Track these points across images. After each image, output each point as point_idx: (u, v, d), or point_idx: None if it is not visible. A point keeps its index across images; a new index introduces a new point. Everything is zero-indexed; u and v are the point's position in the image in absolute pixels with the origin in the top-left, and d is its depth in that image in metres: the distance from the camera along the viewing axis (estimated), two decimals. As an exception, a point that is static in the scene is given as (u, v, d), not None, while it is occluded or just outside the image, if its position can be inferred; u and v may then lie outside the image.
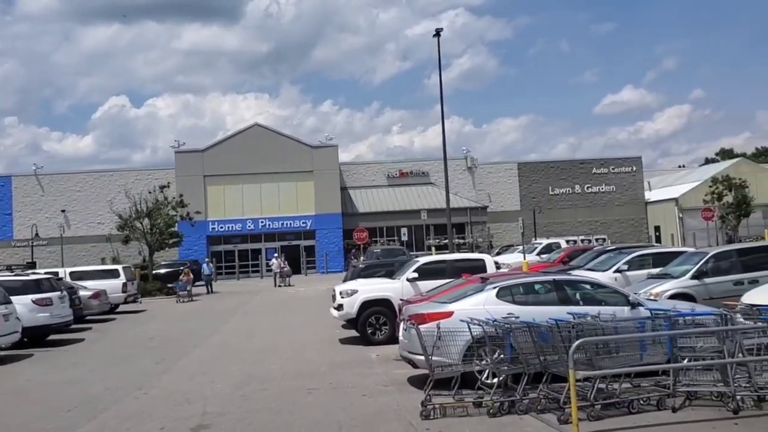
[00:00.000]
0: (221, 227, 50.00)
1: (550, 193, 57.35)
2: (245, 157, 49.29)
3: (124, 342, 18.05)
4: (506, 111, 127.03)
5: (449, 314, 9.80)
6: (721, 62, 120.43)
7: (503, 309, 9.90)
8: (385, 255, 29.39)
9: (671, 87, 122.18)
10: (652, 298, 13.24)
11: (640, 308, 10.19)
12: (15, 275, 18.39)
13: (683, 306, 9.74)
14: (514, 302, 10.16)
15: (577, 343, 7.01)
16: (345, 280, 19.06)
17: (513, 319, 9.27)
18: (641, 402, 8.00)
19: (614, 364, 7.95)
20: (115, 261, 50.18)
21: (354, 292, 15.32)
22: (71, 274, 26.69)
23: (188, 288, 31.49)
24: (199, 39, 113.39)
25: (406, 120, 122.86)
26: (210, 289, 35.95)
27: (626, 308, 10.21)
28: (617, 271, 17.94)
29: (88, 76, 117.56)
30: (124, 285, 26.86)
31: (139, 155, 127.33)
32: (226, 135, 52.90)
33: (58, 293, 18.30)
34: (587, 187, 57.70)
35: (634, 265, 18.30)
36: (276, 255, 40.80)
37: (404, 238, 42.31)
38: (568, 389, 7.34)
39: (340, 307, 15.41)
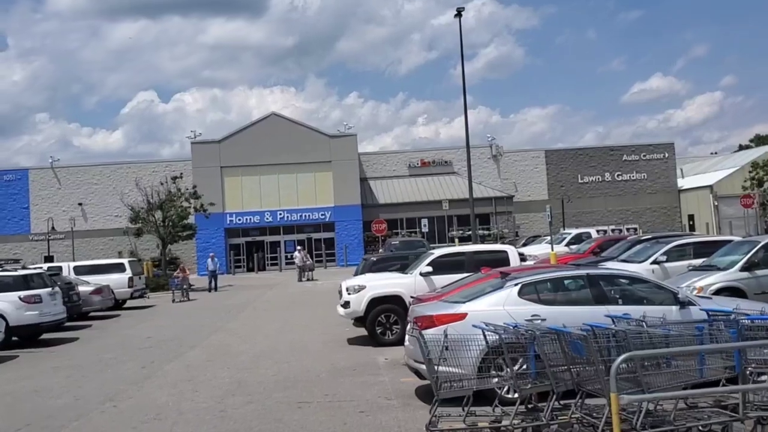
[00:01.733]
0: (239, 219, 48.82)
1: (579, 181, 55.20)
2: (262, 148, 47.95)
3: (118, 342, 16.78)
4: (533, 101, 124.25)
5: (461, 316, 8.26)
6: (753, 48, 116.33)
7: (526, 310, 8.34)
8: (404, 247, 27.81)
9: (701, 74, 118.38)
10: (697, 293, 11.60)
11: (692, 308, 8.54)
12: (2, 271, 17.20)
13: (748, 306, 8.03)
14: (539, 301, 8.58)
15: (622, 358, 5.42)
16: (356, 274, 17.58)
17: (538, 323, 7.70)
18: (701, 429, 6.38)
19: (666, 381, 6.32)
20: (132, 254, 49.38)
21: (361, 288, 13.83)
22: (75, 268, 25.60)
23: (184, 286, 28.27)
24: (224, 33, 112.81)
25: (431, 111, 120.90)
26: (214, 286, 32.55)
27: (674, 308, 8.57)
28: (654, 262, 16.23)
29: (116, 71, 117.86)
30: (131, 279, 25.70)
31: (167, 150, 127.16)
32: (243, 125, 51.59)
33: (49, 290, 17.06)
34: (617, 175, 55.44)
35: (672, 255, 16.59)
36: (299, 248, 38.97)
37: (425, 229, 40.63)
38: (608, 414, 5.77)
39: (346, 305, 13.94)
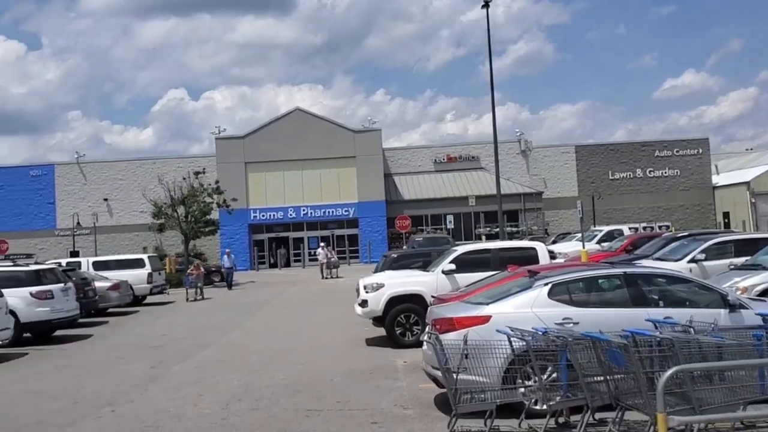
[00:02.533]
0: (263, 215, 48.41)
1: (610, 177, 53.82)
2: (286, 143, 47.44)
3: (130, 339, 16.29)
4: (563, 97, 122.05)
5: (485, 319, 7.47)
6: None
7: (557, 312, 7.53)
8: (428, 244, 27.04)
9: (736, 70, 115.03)
10: (740, 294, 10.66)
11: (743, 312, 7.65)
12: (14, 266, 16.80)
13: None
14: (571, 303, 7.75)
15: (671, 372, 4.61)
16: (376, 271, 16.86)
17: (570, 326, 6.90)
18: (760, 453, 5.54)
19: (721, 397, 5.48)
20: (157, 250, 49.31)
21: (380, 286, 13.08)
22: (94, 264, 25.30)
23: (199, 284, 26.82)
24: (253, 31, 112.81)
25: (459, 107, 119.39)
26: (230, 284, 31.55)
27: (723, 311, 7.69)
28: (692, 261, 15.23)
29: (147, 69, 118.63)
30: (150, 275, 25.28)
31: (197, 147, 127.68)
32: (267, 120, 51.14)
33: (61, 285, 16.64)
34: (649, 171, 53.97)
35: (711, 254, 15.58)
36: (322, 245, 37.76)
37: (450, 226, 39.75)
38: (653, 435, 4.97)
39: (364, 304, 13.22)
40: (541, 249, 13.71)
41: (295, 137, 47.50)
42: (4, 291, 15.30)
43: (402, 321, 12.83)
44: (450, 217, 39.94)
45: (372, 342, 13.63)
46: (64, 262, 24.97)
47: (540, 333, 6.35)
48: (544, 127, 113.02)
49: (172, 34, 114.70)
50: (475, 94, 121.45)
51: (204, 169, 38.52)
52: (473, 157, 52.55)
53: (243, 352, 13.42)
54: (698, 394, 5.42)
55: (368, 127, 49.92)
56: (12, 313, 15.27)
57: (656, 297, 8.03)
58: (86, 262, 25.30)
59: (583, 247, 22.43)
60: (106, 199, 52.32)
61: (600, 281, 8.20)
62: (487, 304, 7.81)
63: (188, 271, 27.88)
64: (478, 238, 41.08)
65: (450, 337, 7.25)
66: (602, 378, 6.02)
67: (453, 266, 12.97)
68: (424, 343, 8.46)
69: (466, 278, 12.58)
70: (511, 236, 41.77)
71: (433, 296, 11.26)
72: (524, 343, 6.49)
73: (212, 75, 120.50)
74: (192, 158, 52.83)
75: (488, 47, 31.39)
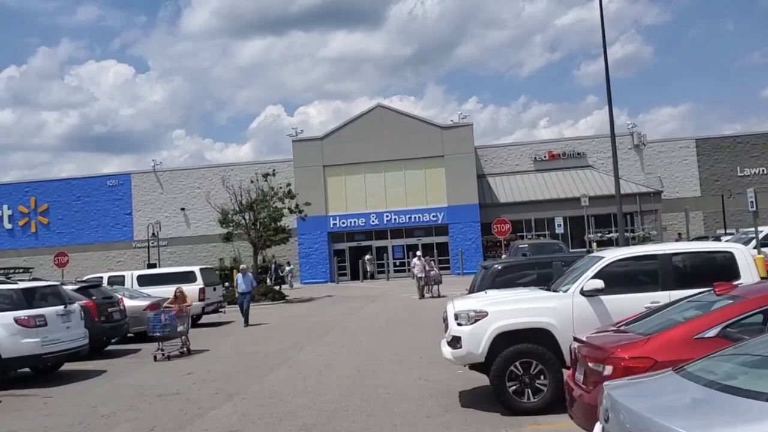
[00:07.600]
0: (343, 222, 44.33)
1: (739, 174, 46.56)
2: (368, 143, 43.18)
3: (144, 381, 12.18)
4: (664, 99, 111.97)
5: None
6: None
7: None
8: (535, 251, 21.88)
9: None
10: None
11: None
12: (2, 283, 13.10)
13: None
14: None
15: None
16: (472, 290, 12.04)
17: None
18: None
19: None
20: (235, 261, 46.29)
21: (481, 315, 8.22)
22: (139, 278, 21.69)
23: (180, 328, 14.84)
24: (345, 46, 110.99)
25: (554, 113, 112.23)
26: (246, 317, 20.52)
27: None
28: None
29: (246, 88, 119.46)
30: (202, 291, 21.34)
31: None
32: (347, 119, 47.09)
33: (59, 309, 12.75)
34: (788, 166, 46.42)
35: None
36: (419, 254, 29.70)
37: (559, 230, 34.19)
38: None
39: (455, 342, 8.40)
40: (742, 255, 8.43)
41: (377, 136, 43.23)
42: (-16, 316, 11.69)
43: (518, 372, 7.98)
44: (559, 221, 34.41)
45: (469, 398, 8.91)
46: (106, 276, 21.57)
47: None
48: (643, 131, 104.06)
49: (269, 52, 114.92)
50: (571, 99, 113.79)
51: (273, 170, 34.69)
52: (579, 154, 46.59)
53: (275, 411, 8.97)
54: None
55: (458, 123, 44.97)
56: (-11, 345, 11.56)
57: None
58: (130, 277, 21.72)
59: (759, 253, 16.70)
60: (183, 209, 49.92)
61: None
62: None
63: (165, 304, 16.08)
64: (589, 245, 35.33)
65: None
66: None
67: (600, 283, 7.94)
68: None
69: (620, 303, 7.75)
70: (628, 243, 35.80)
71: (576, 338, 6.36)
72: None
73: (307, 90, 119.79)
74: (270, 163, 49.34)
75: (602, 33, 26.11)
